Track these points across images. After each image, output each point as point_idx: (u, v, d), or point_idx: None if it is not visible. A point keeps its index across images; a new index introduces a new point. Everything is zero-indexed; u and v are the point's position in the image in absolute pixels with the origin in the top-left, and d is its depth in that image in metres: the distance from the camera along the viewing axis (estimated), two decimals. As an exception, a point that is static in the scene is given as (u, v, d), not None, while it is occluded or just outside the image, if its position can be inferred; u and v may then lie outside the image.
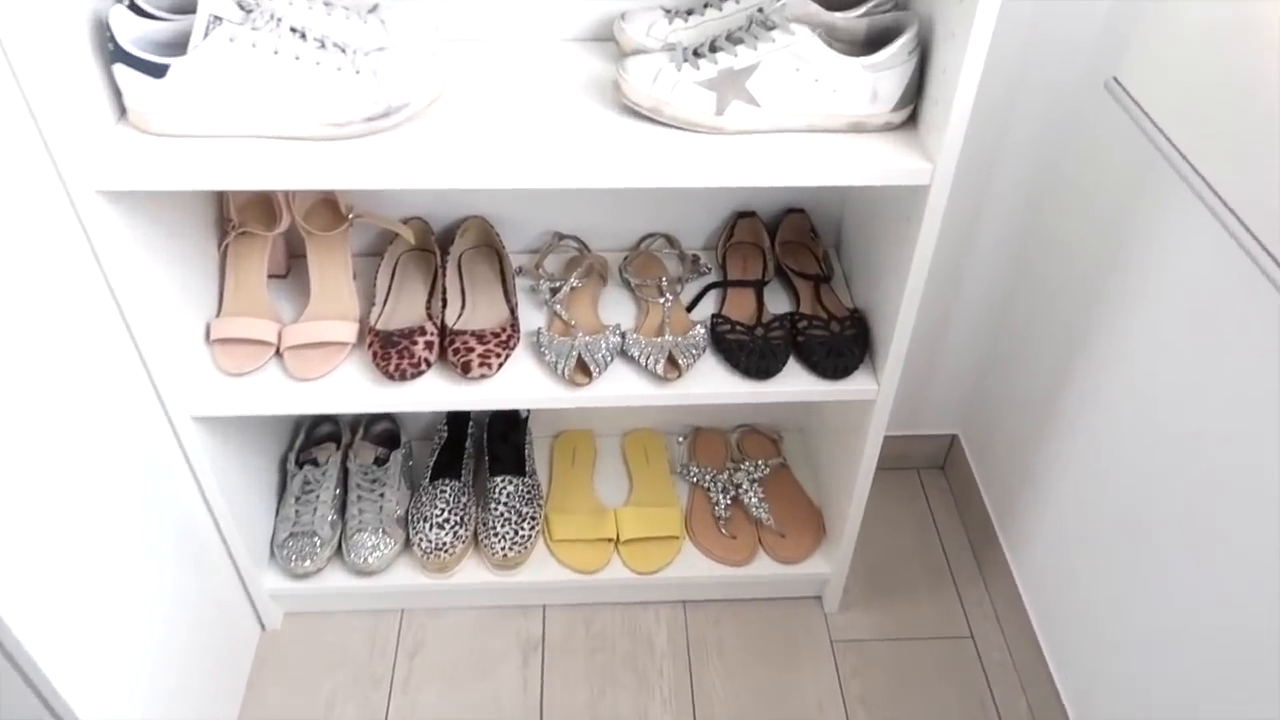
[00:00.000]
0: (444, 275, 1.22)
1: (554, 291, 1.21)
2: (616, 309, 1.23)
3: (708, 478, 1.45)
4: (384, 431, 1.49)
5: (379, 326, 1.15)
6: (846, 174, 0.93)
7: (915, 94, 0.96)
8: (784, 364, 1.13)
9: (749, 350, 1.12)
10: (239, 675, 1.34)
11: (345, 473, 1.40)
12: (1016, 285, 1.37)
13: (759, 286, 1.22)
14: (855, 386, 1.13)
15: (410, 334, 1.12)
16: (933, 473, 1.65)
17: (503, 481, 1.37)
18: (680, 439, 1.55)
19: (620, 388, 1.12)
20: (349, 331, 1.15)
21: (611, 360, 1.13)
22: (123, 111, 0.96)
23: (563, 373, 1.11)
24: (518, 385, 1.12)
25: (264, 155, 0.92)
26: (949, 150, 0.91)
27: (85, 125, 0.91)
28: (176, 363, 1.09)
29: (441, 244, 1.25)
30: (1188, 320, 0.98)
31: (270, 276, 1.23)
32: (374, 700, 1.33)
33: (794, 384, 1.13)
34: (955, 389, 1.54)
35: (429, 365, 1.11)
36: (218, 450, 1.19)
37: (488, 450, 1.44)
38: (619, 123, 0.97)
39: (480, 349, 1.11)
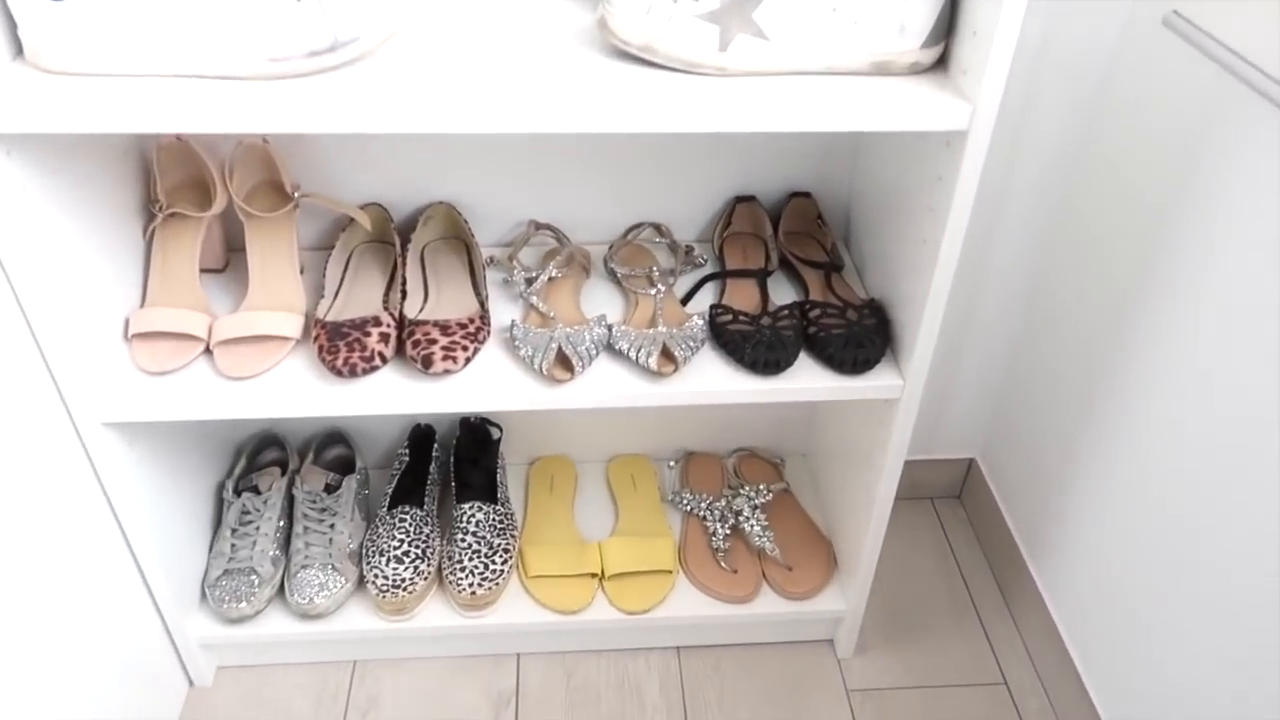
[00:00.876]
0: (404, 266, 1.07)
1: (529, 282, 1.06)
2: (601, 302, 1.08)
3: (703, 505, 1.29)
4: (337, 458, 1.32)
5: (327, 319, 1.00)
6: (869, 117, 0.80)
7: (946, 31, 0.83)
8: (795, 356, 0.98)
9: (755, 341, 0.98)
10: (159, 740, 1.14)
11: (290, 501, 1.22)
12: (1044, 276, 1.24)
13: (762, 276, 1.08)
14: (878, 383, 0.98)
15: (363, 324, 0.97)
16: (948, 502, 1.50)
17: (471, 509, 1.20)
18: (671, 463, 1.39)
19: (607, 385, 0.97)
20: (292, 325, 1.00)
21: (597, 354, 0.98)
22: (19, 48, 0.81)
23: (540, 367, 0.95)
24: (487, 384, 0.97)
25: (187, 94, 0.78)
26: (990, 88, 0.78)
27: (-31, 58, 0.77)
28: (86, 359, 0.92)
29: (402, 234, 1.11)
30: (1272, 289, 0.85)
31: (205, 271, 1.08)
32: (318, 767, 1.14)
33: (807, 380, 0.98)
34: (973, 407, 1.40)
35: (384, 361, 0.96)
36: (137, 469, 1.02)
37: (455, 476, 1.27)
38: (606, 65, 0.84)
39: (444, 340, 0.96)
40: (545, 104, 0.78)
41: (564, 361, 0.96)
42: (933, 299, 0.91)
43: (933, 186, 0.89)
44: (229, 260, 1.12)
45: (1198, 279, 0.95)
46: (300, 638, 1.17)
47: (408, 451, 1.29)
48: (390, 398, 0.95)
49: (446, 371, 0.94)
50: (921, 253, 0.93)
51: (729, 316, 1.01)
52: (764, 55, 0.82)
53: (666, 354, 0.97)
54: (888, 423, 1.03)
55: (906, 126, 0.81)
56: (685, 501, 1.30)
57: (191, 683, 1.21)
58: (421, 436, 1.30)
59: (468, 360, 0.96)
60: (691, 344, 0.98)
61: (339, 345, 0.95)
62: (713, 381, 0.98)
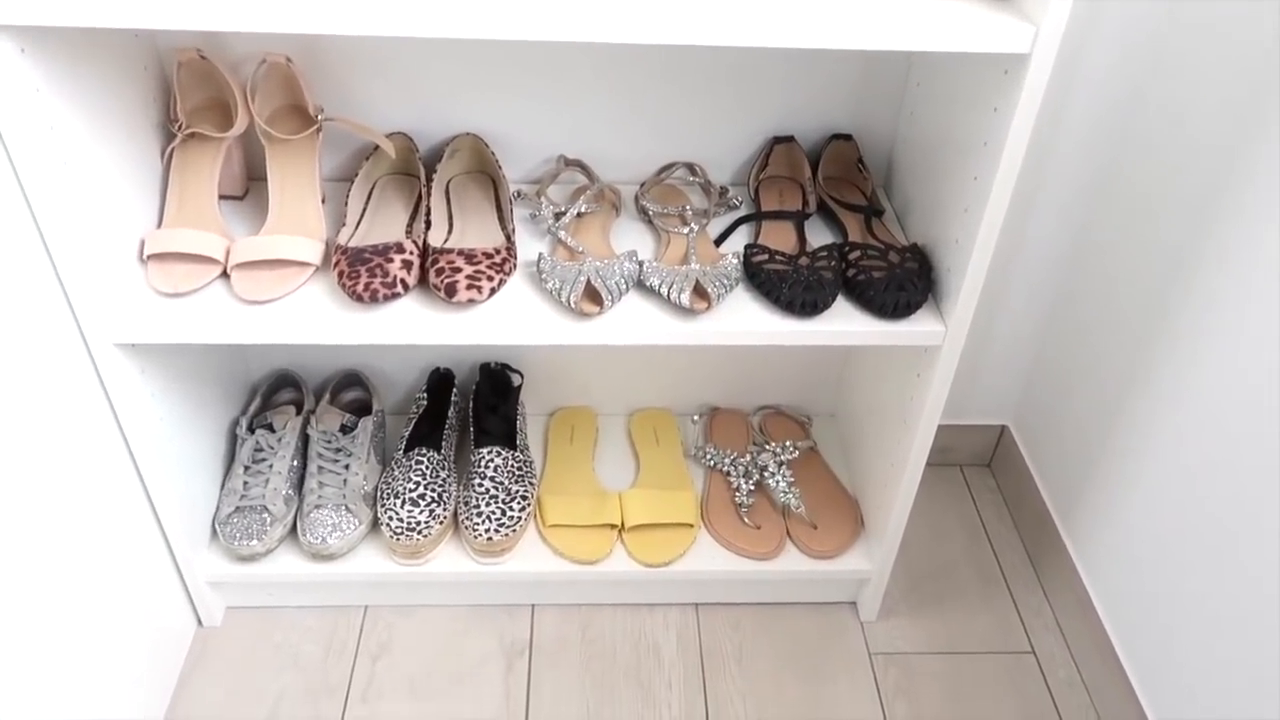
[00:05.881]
0: (428, 198, 1.03)
1: (558, 217, 1.02)
2: (631, 240, 1.04)
3: (727, 460, 1.25)
4: (354, 401, 1.29)
5: (349, 245, 0.96)
6: (924, 36, 0.76)
7: (1009, -51, 0.79)
8: (834, 298, 0.94)
9: (792, 281, 0.94)
10: (166, 679, 1.12)
11: (305, 441, 1.20)
12: (1091, 230, 1.19)
13: (799, 219, 1.04)
14: (919, 328, 0.94)
15: (385, 250, 0.93)
16: (978, 470, 1.46)
17: (489, 454, 1.17)
18: (695, 418, 1.35)
19: (636, 322, 0.93)
20: (312, 251, 0.96)
21: (627, 289, 0.95)
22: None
23: (568, 300, 0.92)
24: (512, 317, 0.93)
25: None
26: (1056, 8, 0.74)
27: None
28: (100, 277, 0.89)
29: (427, 166, 1.07)
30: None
31: (223, 198, 1.05)
32: (326, 711, 1.11)
33: (845, 323, 0.94)
34: (1007, 372, 1.36)
35: (406, 289, 0.92)
36: (150, 398, 0.99)
37: (473, 422, 1.24)
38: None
39: (469, 269, 0.92)
40: (577, 10, 0.74)
41: (592, 295, 0.93)
42: (982, 238, 0.87)
43: (987, 119, 0.84)
44: (248, 188, 1.09)
45: (1260, 239, 0.90)
46: (311, 579, 1.15)
47: (426, 396, 1.26)
48: (410, 328, 0.92)
49: (470, 301, 0.91)
50: (971, 191, 0.88)
51: (765, 256, 0.97)
52: (816, -31, 0.77)
53: (699, 291, 0.93)
54: (926, 373, 0.99)
55: (963, 47, 0.76)
56: (709, 456, 1.27)
57: (200, 622, 1.18)
58: (440, 380, 1.27)
59: (493, 291, 0.92)
60: (726, 282, 0.95)
61: (360, 271, 0.91)
62: (747, 322, 0.94)
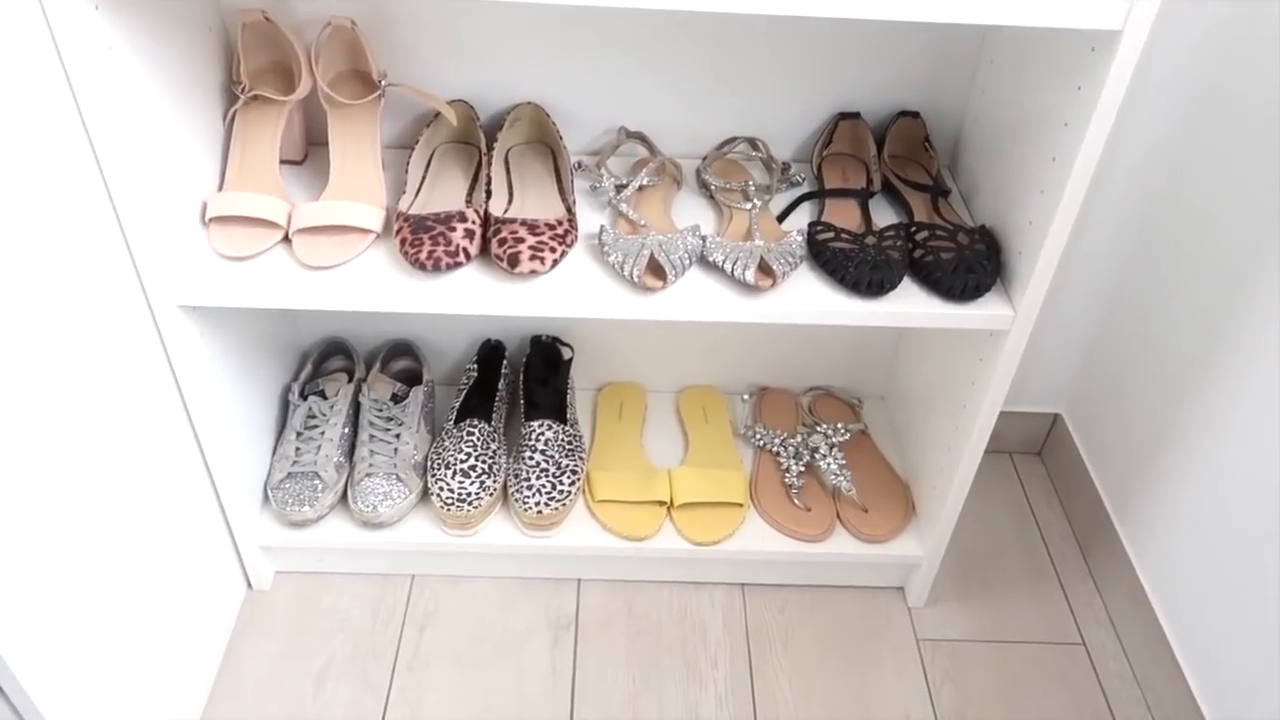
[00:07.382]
0: (488, 167, 1.02)
1: (619, 189, 1.01)
2: (692, 215, 1.03)
3: (776, 441, 1.24)
4: (404, 370, 1.29)
5: (410, 213, 0.96)
6: (1008, 9, 0.74)
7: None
8: (900, 278, 0.92)
9: (858, 261, 0.92)
10: (216, 641, 1.13)
11: (357, 409, 1.20)
12: (1162, 214, 1.16)
13: (864, 197, 1.02)
14: (987, 311, 0.92)
15: (447, 219, 0.93)
16: (1028, 458, 1.44)
17: (540, 427, 1.17)
18: (745, 398, 1.34)
19: (698, 298, 0.92)
20: (373, 217, 0.96)
21: (690, 264, 0.93)
22: (113, -103, 0.77)
23: (631, 274, 0.90)
24: (573, 290, 0.92)
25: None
26: (1152, -19, 0.71)
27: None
28: (164, 237, 0.89)
29: (487, 135, 1.06)
30: None
31: (284, 163, 1.04)
32: (374, 677, 1.12)
33: (910, 304, 0.92)
34: (1063, 358, 1.33)
35: (468, 258, 0.91)
36: (209, 360, 1.00)
37: (524, 395, 1.23)
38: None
39: (532, 240, 0.91)
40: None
41: (656, 269, 0.91)
42: (1059, 221, 0.85)
43: (1070, 98, 0.82)
44: (309, 153, 1.08)
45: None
46: (360, 547, 1.15)
47: (476, 367, 1.25)
48: (471, 297, 0.91)
49: (533, 272, 0.90)
50: (1049, 172, 0.86)
51: (830, 234, 0.95)
52: (902, -62, 0.75)
53: (764, 268, 0.92)
54: (990, 358, 0.97)
55: (1052, 22, 0.74)
56: (758, 436, 1.26)
57: (250, 585, 1.19)
58: (491, 352, 1.27)
59: (555, 263, 0.91)
60: (790, 259, 0.93)
61: (423, 239, 0.91)
62: (811, 300, 0.92)
